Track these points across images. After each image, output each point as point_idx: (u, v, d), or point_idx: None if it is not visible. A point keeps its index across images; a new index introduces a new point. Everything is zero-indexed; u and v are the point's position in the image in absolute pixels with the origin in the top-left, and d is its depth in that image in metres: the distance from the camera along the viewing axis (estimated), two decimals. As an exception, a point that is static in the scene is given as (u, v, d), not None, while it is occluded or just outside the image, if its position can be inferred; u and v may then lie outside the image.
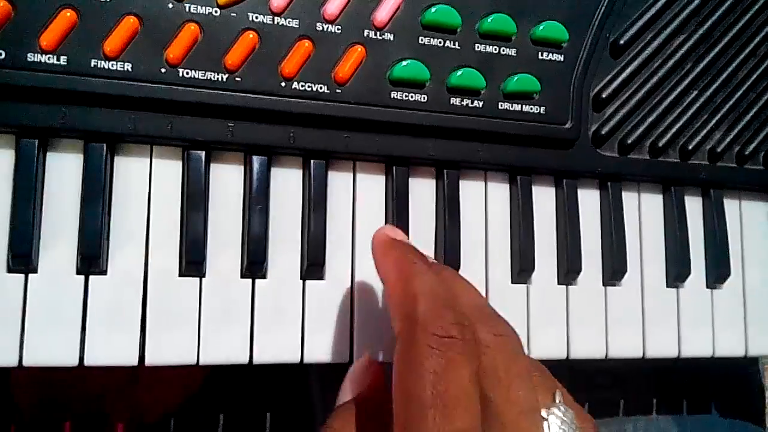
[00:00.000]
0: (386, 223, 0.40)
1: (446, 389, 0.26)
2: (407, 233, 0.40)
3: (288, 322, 0.38)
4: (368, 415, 0.31)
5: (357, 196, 0.40)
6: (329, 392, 0.46)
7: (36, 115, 0.34)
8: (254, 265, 0.37)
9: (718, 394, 0.57)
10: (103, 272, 0.35)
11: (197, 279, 0.36)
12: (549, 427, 0.29)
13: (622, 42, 0.45)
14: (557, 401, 0.31)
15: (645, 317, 0.46)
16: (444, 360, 0.27)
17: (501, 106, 0.41)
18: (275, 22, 0.37)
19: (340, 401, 0.34)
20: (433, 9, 0.39)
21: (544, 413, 0.30)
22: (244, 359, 0.37)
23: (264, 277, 0.38)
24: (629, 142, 0.44)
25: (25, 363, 0.33)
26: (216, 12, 0.36)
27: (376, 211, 0.41)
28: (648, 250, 0.47)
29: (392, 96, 0.39)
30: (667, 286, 0.47)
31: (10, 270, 0.34)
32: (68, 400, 0.41)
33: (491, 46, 0.41)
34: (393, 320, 0.31)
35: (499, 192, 0.43)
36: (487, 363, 0.29)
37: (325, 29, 0.38)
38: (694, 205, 0.48)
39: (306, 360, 0.38)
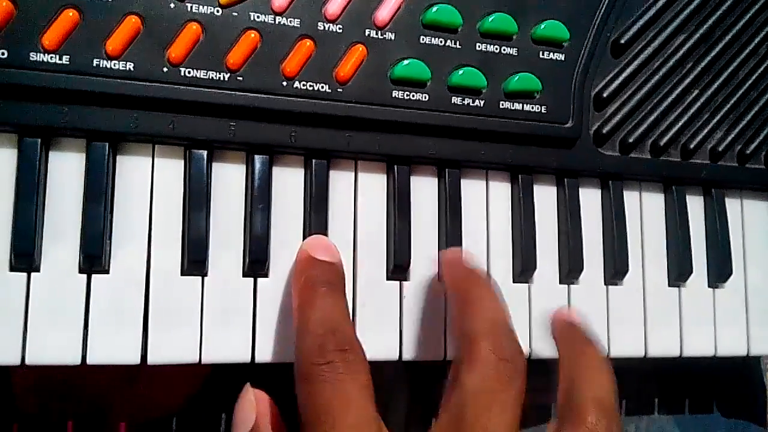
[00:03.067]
0: (388, 222, 0.40)
1: (332, 407, 0.29)
2: (409, 232, 0.40)
3: (290, 321, 0.37)
4: None
5: (358, 195, 0.40)
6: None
7: (38, 115, 0.34)
8: (256, 263, 0.37)
9: (720, 393, 0.57)
10: (106, 271, 0.35)
11: (199, 278, 0.37)
12: None
13: (623, 41, 0.45)
14: None
15: (647, 316, 0.46)
16: (327, 383, 0.30)
17: (502, 105, 0.41)
18: (277, 22, 0.37)
19: None
20: (434, 8, 0.40)
21: None
22: (246, 358, 0.37)
23: (266, 275, 0.38)
24: (630, 141, 0.44)
25: (28, 362, 0.33)
26: (218, 11, 0.36)
27: (378, 209, 0.41)
28: (650, 250, 0.47)
29: (393, 95, 0.39)
30: (669, 286, 0.47)
31: (12, 269, 0.34)
32: (70, 399, 0.42)
33: (492, 46, 0.41)
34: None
35: (501, 191, 0.43)
36: (472, 381, 0.31)
37: (326, 28, 0.38)
38: (695, 204, 0.48)
39: (308, 359, 0.38)
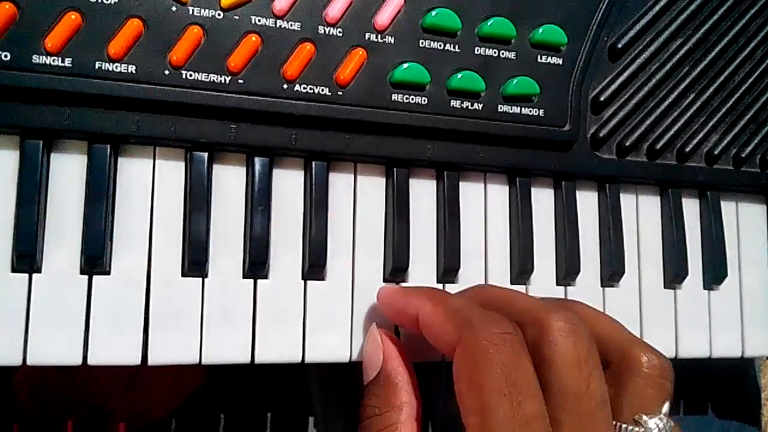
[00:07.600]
0: (386, 222, 0.41)
1: (516, 378, 0.30)
2: (407, 234, 0.40)
3: (289, 322, 0.38)
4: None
5: (358, 197, 0.41)
6: (329, 392, 0.47)
7: (40, 117, 0.34)
8: (256, 265, 0.37)
9: (715, 395, 0.58)
10: (107, 272, 0.35)
11: (200, 279, 0.37)
12: None
13: (620, 45, 0.45)
14: (663, 412, 0.33)
15: (643, 318, 0.46)
16: (510, 353, 0.30)
17: (500, 108, 0.41)
18: (277, 25, 0.37)
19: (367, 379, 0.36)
20: (433, 12, 0.40)
21: (645, 418, 0.32)
22: (245, 359, 0.37)
23: (266, 277, 0.38)
24: (627, 144, 0.45)
25: (29, 362, 0.33)
26: (219, 15, 0.36)
27: (377, 212, 0.41)
28: (646, 252, 0.47)
29: (393, 98, 0.39)
30: (665, 288, 0.47)
31: (14, 270, 0.34)
32: (70, 399, 0.42)
33: (491, 50, 0.41)
34: (441, 339, 0.33)
35: (499, 193, 0.44)
36: (567, 352, 0.31)
37: (326, 32, 0.38)
38: (691, 207, 0.48)
39: (307, 360, 0.38)
